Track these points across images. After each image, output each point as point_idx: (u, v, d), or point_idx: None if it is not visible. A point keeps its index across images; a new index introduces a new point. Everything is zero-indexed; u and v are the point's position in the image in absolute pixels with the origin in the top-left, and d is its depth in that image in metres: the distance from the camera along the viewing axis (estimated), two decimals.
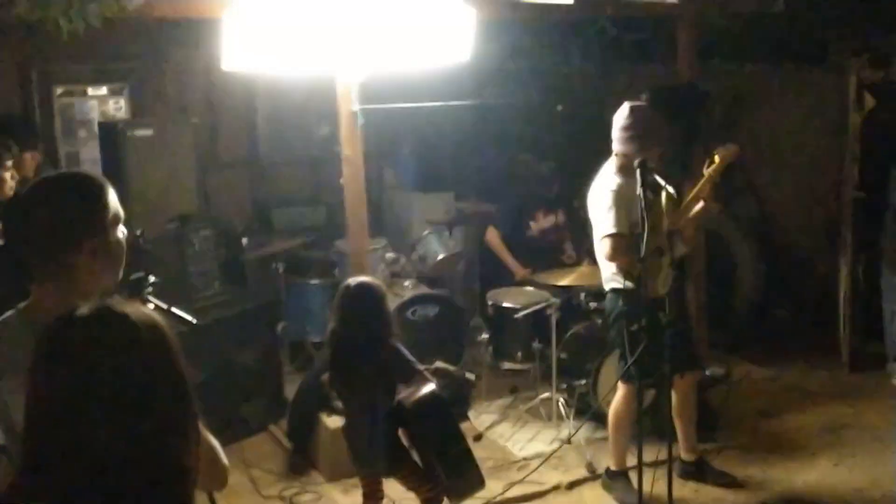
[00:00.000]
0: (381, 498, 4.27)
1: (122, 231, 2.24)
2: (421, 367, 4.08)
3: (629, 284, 4.58)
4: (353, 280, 4.23)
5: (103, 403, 1.54)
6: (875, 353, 6.57)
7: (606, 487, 5.12)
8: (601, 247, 4.70)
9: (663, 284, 4.70)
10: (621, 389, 4.93)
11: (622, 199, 4.62)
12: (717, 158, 4.71)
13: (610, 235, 4.60)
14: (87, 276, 2.15)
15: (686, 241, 4.87)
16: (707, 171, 4.72)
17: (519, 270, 6.73)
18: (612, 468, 5.09)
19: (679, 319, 4.78)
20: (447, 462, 4.01)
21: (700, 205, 4.75)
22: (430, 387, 3.99)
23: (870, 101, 6.85)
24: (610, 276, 4.84)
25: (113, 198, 2.23)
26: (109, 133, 5.99)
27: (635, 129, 4.70)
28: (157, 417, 1.57)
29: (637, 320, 4.52)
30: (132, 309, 1.63)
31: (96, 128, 7.12)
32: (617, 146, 4.79)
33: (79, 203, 2.17)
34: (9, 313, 2.20)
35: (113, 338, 1.58)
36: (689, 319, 5.18)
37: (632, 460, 4.70)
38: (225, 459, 2.24)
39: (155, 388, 1.58)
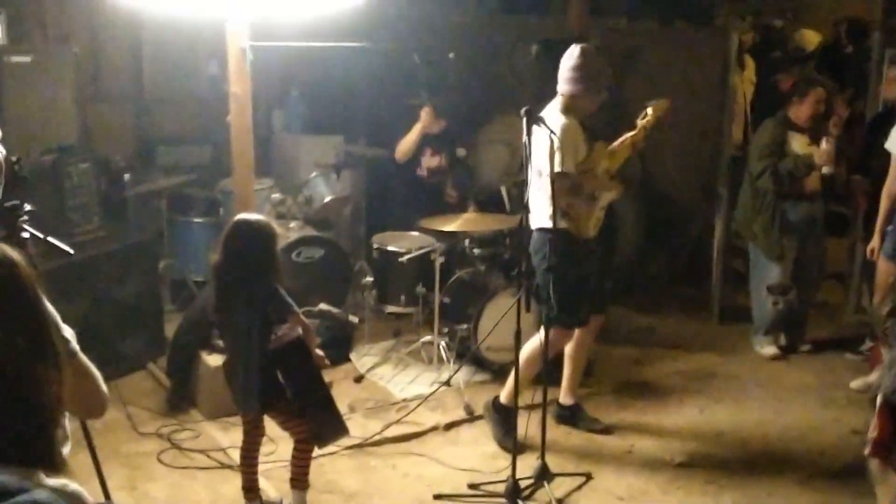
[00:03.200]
0: (261, 435, 4.29)
1: (0, 149, 2.19)
2: (297, 309, 4.07)
3: (563, 225, 4.66)
4: (243, 216, 4.17)
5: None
6: (743, 306, 6.86)
7: (488, 416, 5.18)
8: (544, 185, 4.61)
9: (595, 227, 4.82)
10: (551, 333, 4.73)
11: (569, 139, 4.66)
12: (649, 111, 4.85)
13: (557, 174, 4.53)
14: None
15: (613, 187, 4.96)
16: (641, 123, 4.84)
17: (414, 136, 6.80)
18: (502, 401, 5.11)
19: (604, 264, 4.94)
20: (307, 406, 4.05)
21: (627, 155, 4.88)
22: (296, 332, 3.99)
23: (749, 63, 7.09)
24: (542, 216, 4.74)
25: None
26: None
27: (583, 70, 4.75)
28: (12, 357, 1.54)
29: (572, 263, 4.62)
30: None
31: None
32: (563, 86, 4.81)
33: None
34: None
35: None
36: (606, 264, 5.24)
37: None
38: (104, 388, 2.24)
39: (6, 326, 1.54)
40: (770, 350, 6.47)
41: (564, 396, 5.35)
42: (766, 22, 7.32)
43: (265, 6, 4.81)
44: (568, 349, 5.21)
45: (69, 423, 2.34)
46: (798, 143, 6.18)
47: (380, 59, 7.66)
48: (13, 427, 1.51)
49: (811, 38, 7.33)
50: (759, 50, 7.17)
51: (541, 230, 4.80)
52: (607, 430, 5.29)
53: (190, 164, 7.77)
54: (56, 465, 1.55)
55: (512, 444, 4.59)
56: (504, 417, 5.07)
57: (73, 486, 1.57)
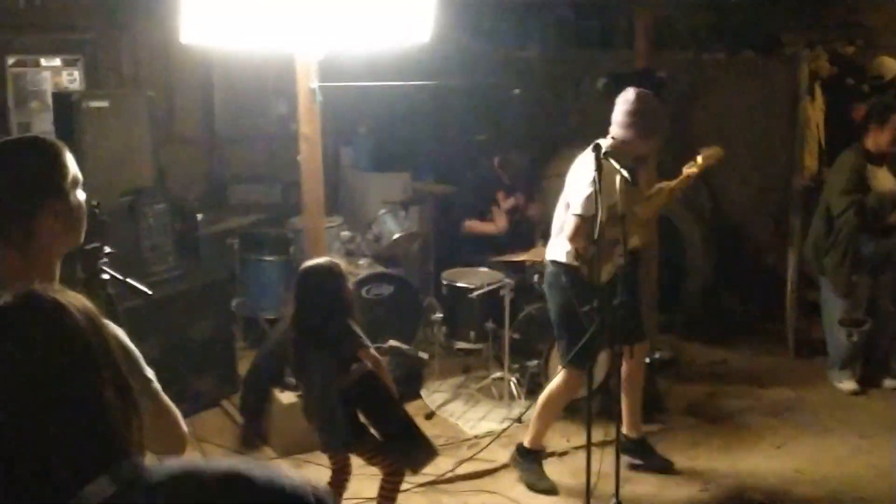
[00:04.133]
0: (349, 472, 4.28)
1: (81, 194, 2.24)
2: (368, 343, 4.08)
3: (576, 264, 4.65)
4: (308, 263, 4.19)
5: (30, 391, 1.51)
6: (820, 339, 6.71)
7: (515, 463, 5.10)
8: (567, 222, 4.64)
9: (609, 273, 4.73)
10: (563, 374, 4.90)
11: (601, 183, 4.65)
12: (699, 160, 4.76)
13: (577, 216, 4.57)
14: (50, 238, 2.13)
15: (644, 231, 4.93)
16: (687, 171, 4.78)
17: (500, 222, 6.84)
18: (526, 445, 5.05)
19: (628, 297, 4.86)
20: (392, 436, 4.05)
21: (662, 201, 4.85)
22: (364, 366, 3.98)
23: (818, 93, 6.97)
24: (558, 249, 4.80)
25: (71, 160, 2.21)
26: (64, 103, 5.91)
27: (637, 116, 4.67)
28: (98, 401, 1.54)
29: (587, 303, 4.57)
30: (61, 293, 1.60)
31: (49, 99, 7.04)
32: (615, 129, 4.75)
33: (38, 164, 2.15)
34: None
35: (41, 324, 1.56)
36: (637, 295, 5.19)
37: (557, 442, 4.77)
38: (184, 426, 2.26)
39: (94, 374, 1.52)
40: (849, 385, 6.30)
41: (628, 429, 5.25)
42: (837, 49, 7.19)
43: (333, 45, 4.87)
44: (622, 383, 5.11)
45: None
46: (881, 178, 6.05)
47: (447, 96, 7.72)
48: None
49: (890, 66, 7.16)
50: (831, 78, 7.05)
51: (554, 263, 4.84)
52: (675, 471, 5.18)
53: (260, 202, 7.90)
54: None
55: (546, 487, 4.68)
56: (532, 462, 5.03)
57: None
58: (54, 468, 1.48)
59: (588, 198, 4.49)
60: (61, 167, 2.18)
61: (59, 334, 1.53)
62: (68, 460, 1.47)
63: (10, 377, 1.49)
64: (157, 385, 2.18)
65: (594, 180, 4.28)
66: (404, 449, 4.09)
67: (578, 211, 4.57)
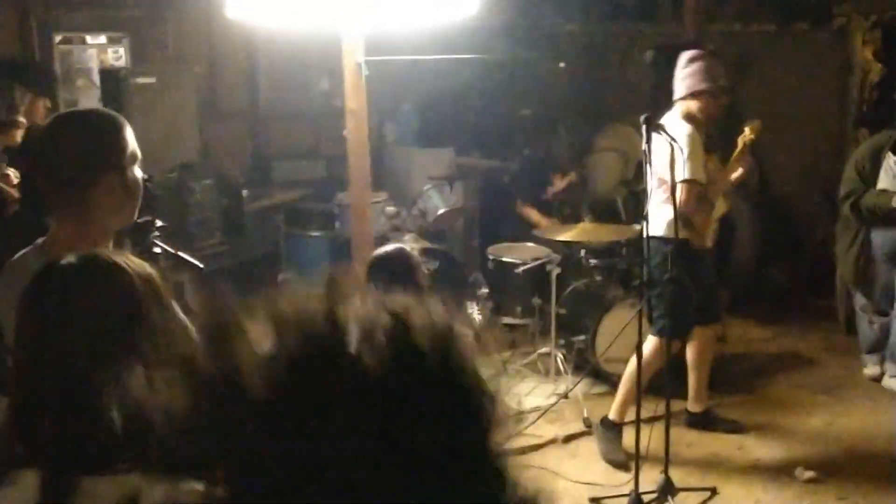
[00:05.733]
0: None
1: (138, 171, 2.25)
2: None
3: (686, 234, 4.61)
4: (384, 249, 4.02)
5: (85, 350, 1.52)
6: None
7: (598, 436, 5.12)
8: (675, 192, 4.41)
9: (711, 237, 4.81)
10: (655, 342, 4.85)
11: (696, 146, 4.62)
12: (748, 130, 4.78)
13: (686, 181, 4.50)
14: (106, 212, 2.15)
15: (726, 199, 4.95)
16: (743, 140, 4.79)
17: (548, 224, 6.81)
18: (611, 418, 5.07)
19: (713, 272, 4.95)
20: None
21: (739, 170, 4.82)
22: None
23: (875, 66, 6.85)
24: (662, 225, 4.63)
25: (131, 136, 2.22)
26: (111, 80, 5.98)
27: (699, 72, 4.71)
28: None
29: (691, 273, 4.53)
30: (122, 257, 1.61)
31: (95, 76, 7.08)
32: (681, 91, 4.78)
33: (100, 136, 2.17)
34: (28, 248, 2.20)
35: (99, 285, 1.57)
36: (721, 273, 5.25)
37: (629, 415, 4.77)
38: None
39: (148, 339, 1.54)
40: (872, 370, 6.09)
41: (693, 404, 5.28)
42: (893, 18, 7.04)
43: (379, 20, 4.84)
44: (690, 358, 5.13)
45: None
46: None
47: (492, 71, 7.67)
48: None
49: None
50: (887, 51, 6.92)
51: (660, 239, 4.67)
52: (744, 430, 5.26)
53: (304, 178, 7.91)
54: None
55: (620, 460, 4.66)
56: (615, 436, 5.04)
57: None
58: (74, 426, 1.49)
59: (689, 161, 4.46)
60: (121, 141, 2.19)
61: (116, 295, 1.54)
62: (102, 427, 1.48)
63: (65, 331, 1.50)
64: None
65: (691, 137, 4.44)
66: None
67: (688, 175, 4.51)
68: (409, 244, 6.34)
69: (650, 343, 4.87)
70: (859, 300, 6.15)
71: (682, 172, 4.42)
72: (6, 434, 1.54)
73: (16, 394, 1.56)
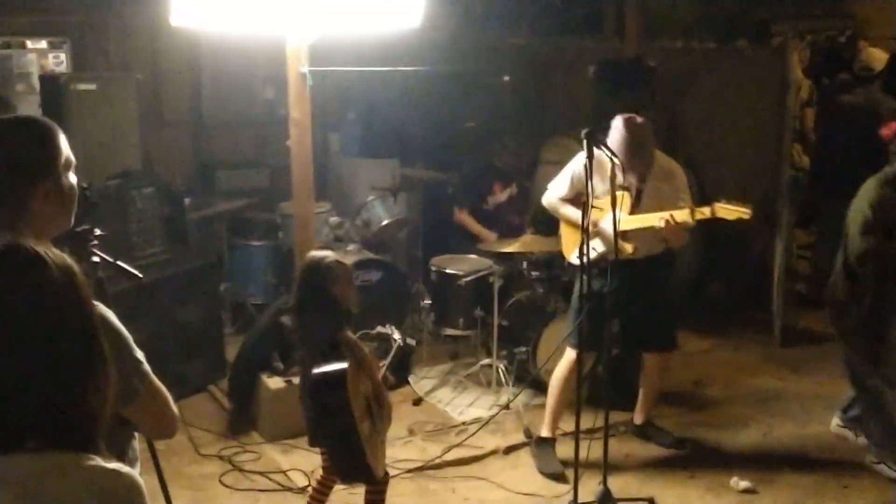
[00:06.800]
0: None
1: (73, 177, 2.22)
2: (363, 349, 3.95)
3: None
4: (316, 255, 4.04)
5: (3, 338, 1.54)
6: (805, 329, 6.73)
7: (532, 452, 5.17)
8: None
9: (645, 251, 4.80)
10: (569, 354, 4.98)
11: (568, 170, 4.70)
12: (716, 209, 4.90)
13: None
14: (41, 220, 2.12)
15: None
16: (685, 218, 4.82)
17: (491, 238, 6.75)
18: (544, 436, 5.14)
19: (658, 300, 5.05)
20: (326, 437, 3.92)
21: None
22: (341, 366, 3.70)
23: (805, 83, 6.98)
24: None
25: (65, 142, 2.20)
26: (52, 85, 5.88)
27: (624, 145, 4.65)
28: (59, 357, 1.56)
29: (629, 286, 4.66)
30: (43, 248, 1.63)
31: (35, 81, 6.99)
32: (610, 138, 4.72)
33: (32, 144, 2.14)
34: None
35: (17, 274, 1.58)
36: (671, 301, 5.27)
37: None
38: (175, 408, 2.25)
39: (59, 328, 1.57)
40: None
41: (637, 416, 5.45)
42: (828, 38, 7.19)
43: (322, 30, 4.85)
44: (644, 376, 5.34)
45: (138, 445, 2.37)
46: None
47: (437, 83, 7.70)
48: (60, 414, 1.55)
49: (879, 57, 7.15)
50: (823, 69, 7.06)
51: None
52: (678, 443, 5.33)
53: (248, 187, 7.86)
54: (102, 454, 1.57)
55: (557, 472, 4.79)
56: (549, 450, 5.10)
57: (127, 469, 1.59)
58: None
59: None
60: (55, 148, 2.16)
61: (30, 283, 1.56)
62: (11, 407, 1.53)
63: None
64: (147, 367, 2.17)
65: (585, 166, 4.22)
66: (335, 456, 3.93)
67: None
68: (350, 256, 6.35)
69: (566, 355, 5.00)
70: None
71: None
72: None
73: None
